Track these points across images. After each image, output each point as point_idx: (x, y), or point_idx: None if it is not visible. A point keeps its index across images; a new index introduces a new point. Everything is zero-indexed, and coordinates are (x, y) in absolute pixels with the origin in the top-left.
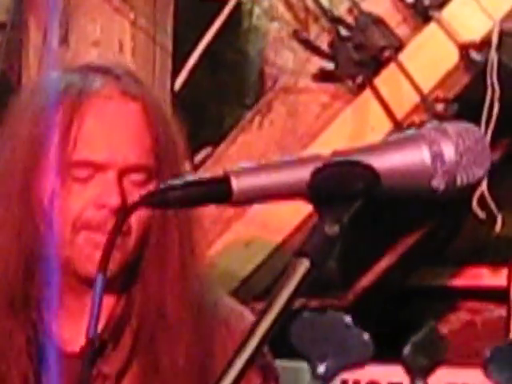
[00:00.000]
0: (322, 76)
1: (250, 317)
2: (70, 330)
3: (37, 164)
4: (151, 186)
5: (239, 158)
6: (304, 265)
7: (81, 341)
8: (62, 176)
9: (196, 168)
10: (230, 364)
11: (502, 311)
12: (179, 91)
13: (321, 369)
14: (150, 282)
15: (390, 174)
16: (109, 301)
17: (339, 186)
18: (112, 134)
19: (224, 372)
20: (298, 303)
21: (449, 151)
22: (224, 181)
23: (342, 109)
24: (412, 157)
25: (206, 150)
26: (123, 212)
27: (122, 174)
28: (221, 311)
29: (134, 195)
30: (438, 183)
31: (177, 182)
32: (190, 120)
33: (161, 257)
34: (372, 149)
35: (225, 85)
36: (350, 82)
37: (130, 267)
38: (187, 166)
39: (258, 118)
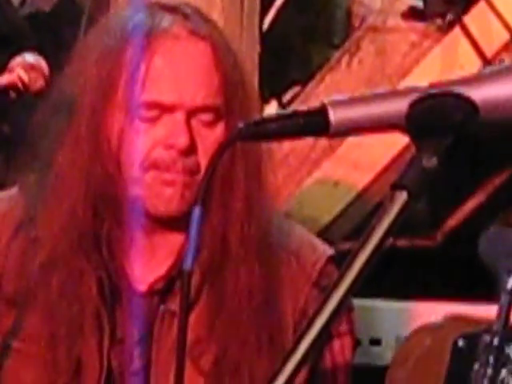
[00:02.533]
0: (412, 14)
1: (322, 248)
2: (140, 268)
3: (105, 104)
4: (220, 126)
5: (327, 96)
6: (402, 197)
7: (150, 279)
8: (129, 116)
9: (284, 106)
10: (325, 300)
11: None
12: (267, 30)
13: (510, 283)
14: (215, 218)
15: (489, 105)
16: (177, 239)
17: (437, 117)
18: (180, 74)
19: (318, 309)
20: (387, 242)
21: None
22: (321, 112)
23: (430, 47)
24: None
25: (295, 89)
26: (220, 147)
27: (190, 114)
28: (292, 243)
29: (203, 135)
30: None
31: (274, 114)
32: (278, 59)
33: (226, 192)
34: (470, 80)
35: (312, 24)
36: (439, 21)
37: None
38: (273, 105)
39: (346, 57)
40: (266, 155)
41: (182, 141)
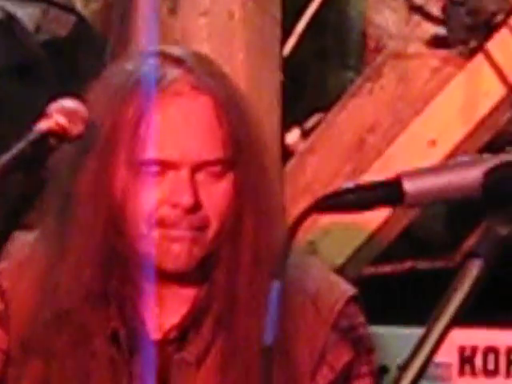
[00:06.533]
0: (435, 42)
1: (341, 288)
2: (153, 319)
3: (108, 161)
4: (228, 178)
5: (350, 123)
6: (477, 266)
7: (164, 328)
8: (133, 174)
9: (306, 134)
10: (407, 364)
11: None
12: (288, 57)
13: None
14: (225, 271)
15: None
16: (190, 291)
17: None
18: (182, 131)
19: (401, 373)
20: (407, 265)
21: None
22: (396, 183)
23: (453, 74)
24: None
25: (317, 116)
26: (295, 220)
27: (195, 169)
28: (308, 285)
29: (209, 189)
30: None
31: (349, 185)
32: (296, 85)
33: (235, 245)
34: None
35: (327, 46)
36: (461, 47)
37: (211, 257)
38: (296, 132)
39: (368, 84)
40: (277, 205)
41: (186, 199)
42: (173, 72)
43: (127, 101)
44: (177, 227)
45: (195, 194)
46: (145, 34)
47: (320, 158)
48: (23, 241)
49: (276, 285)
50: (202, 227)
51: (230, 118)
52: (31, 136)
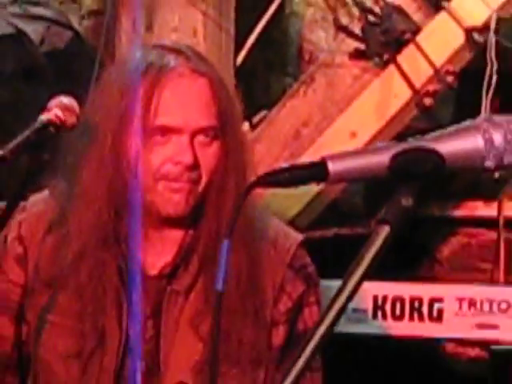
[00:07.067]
0: (356, 54)
1: (293, 235)
2: (152, 257)
3: (124, 129)
4: (216, 145)
5: (288, 119)
6: (385, 230)
7: (159, 265)
8: (144, 138)
9: (254, 127)
10: (321, 318)
11: (492, 235)
12: (240, 66)
13: None
14: (211, 217)
15: (452, 157)
16: (180, 234)
17: (413, 167)
18: (185, 103)
19: (318, 323)
20: (332, 232)
21: (498, 138)
22: (322, 164)
23: (370, 80)
24: (469, 143)
25: (262, 112)
26: (243, 192)
27: (193, 135)
28: (270, 233)
29: (203, 152)
30: (490, 164)
31: (285, 166)
32: (244, 86)
33: (220, 196)
34: (438, 137)
35: (271, 58)
36: (377, 59)
37: (200, 206)
38: (245, 125)
39: (303, 87)
40: (251, 166)
41: (188, 158)
42: (175, 59)
43: (139, 81)
44: (177, 180)
45: (194, 154)
46: (127, 47)
47: (264, 145)
48: (36, 198)
49: (226, 242)
50: (197, 181)
51: (220, 96)
52: (35, 125)
